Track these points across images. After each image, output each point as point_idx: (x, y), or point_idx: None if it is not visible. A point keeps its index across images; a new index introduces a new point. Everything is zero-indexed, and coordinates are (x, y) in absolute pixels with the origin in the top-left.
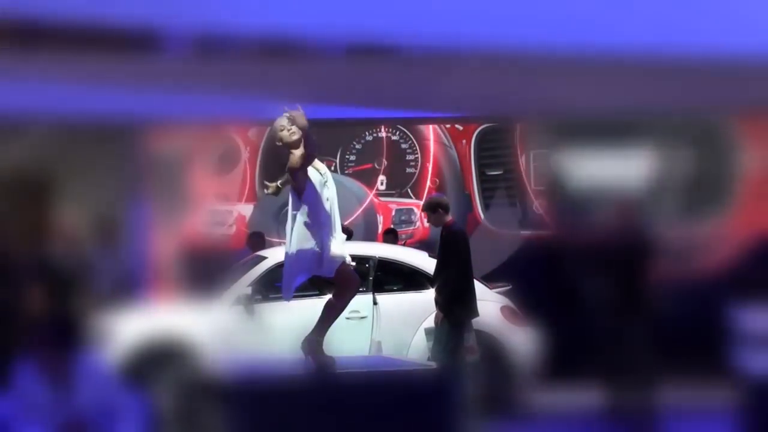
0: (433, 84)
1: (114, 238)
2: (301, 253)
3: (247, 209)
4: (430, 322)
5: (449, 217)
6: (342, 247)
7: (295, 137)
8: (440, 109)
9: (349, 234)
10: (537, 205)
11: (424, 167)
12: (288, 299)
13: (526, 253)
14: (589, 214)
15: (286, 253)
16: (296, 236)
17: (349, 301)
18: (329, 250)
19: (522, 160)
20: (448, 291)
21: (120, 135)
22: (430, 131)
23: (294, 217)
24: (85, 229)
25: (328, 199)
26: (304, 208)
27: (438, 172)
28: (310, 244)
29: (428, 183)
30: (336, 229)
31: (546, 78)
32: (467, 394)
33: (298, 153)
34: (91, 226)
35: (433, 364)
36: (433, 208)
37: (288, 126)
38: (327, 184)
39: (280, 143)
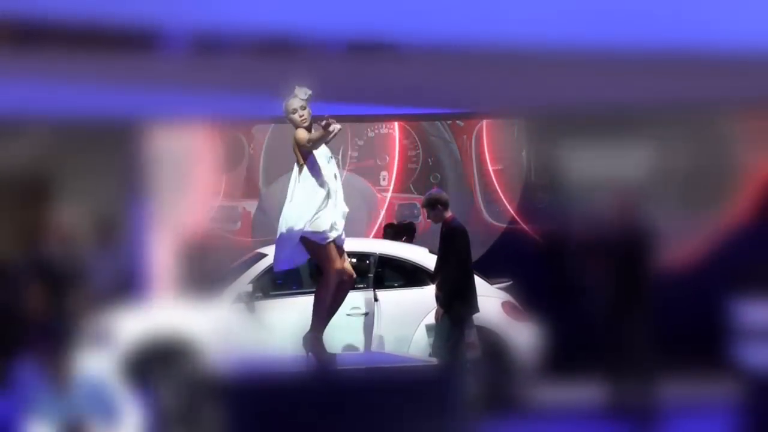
0: (434, 80)
1: (112, 237)
2: (298, 222)
3: (252, 206)
4: (431, 318)
5: (449, 213)
6: (340, 224)
7: (306, 123)
8: (441, 106)
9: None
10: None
11: (425, 162)
12: (283, 270)
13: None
14: (587, 209)
15: (281, 224)
16: (296, 205)
17: (330, 287)
18: (326, 218)
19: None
20: (449, 287)
21: (119, 133)
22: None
23: (294, 190)
24: (84, 228)
25: (336, 176)
26: (306, 178)
27: (437, 168)
28: (308, 213)
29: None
30: (337, 205)
31: (546, 74)
32: (468, 389)
33: (303, 133)
34: (90, 226)
35: (435, 361)
36: (432, 205)
37: (300, 111)
38: (331, 161)
39: (290, 123)
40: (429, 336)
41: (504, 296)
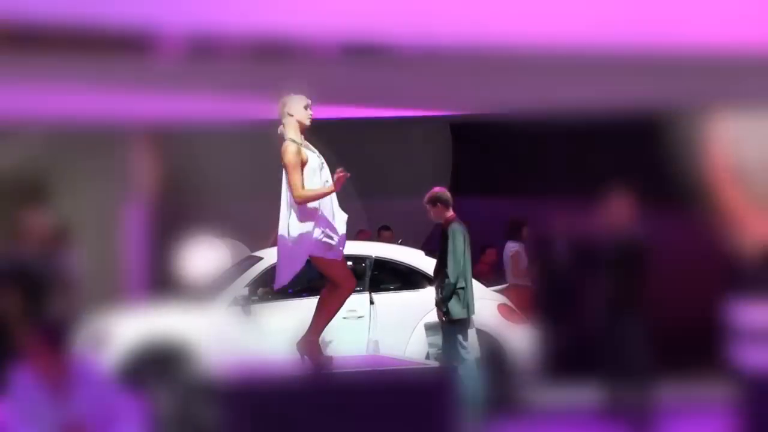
0: (429, 83)
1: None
2: (304, 236)
3: None
4: (427, 319)
5: (450, 212)
6: (343, 233)
7: (308, 123)
8: (437, 108)
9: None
10: None
11: None
12: (283, 286)
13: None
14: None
15: (283, 237)
16: (297, 218)
17: (344, 301)
18: (337, 232)
19: None
20: (447, 288)
21: (114, 136)
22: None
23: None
24: (76, 231)
25: (327, 182)
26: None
27: None
28: (311, 226)
29: None
30: (336, 214)
31: (542, 76)
32: (468, 392)
33: (291, 153)
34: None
35: (431, 363)
36: (432, 202)
37: (310, 112)
38: (323, 166)
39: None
40: (428, 335)
41: (500, 298)
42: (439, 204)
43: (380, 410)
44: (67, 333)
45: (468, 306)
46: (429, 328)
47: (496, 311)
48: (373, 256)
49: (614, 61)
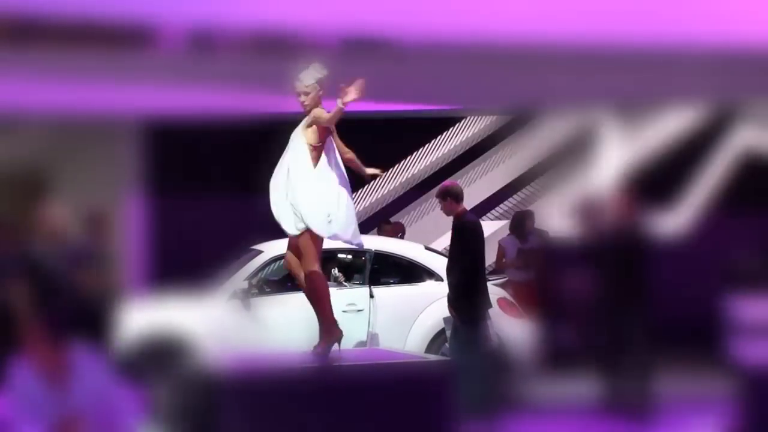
0: (429, 78)
1: (105, 233)
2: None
3: None
4: (429, 313)
5: (461, 207)
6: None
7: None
8: (437, 103)
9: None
10: None
11: None
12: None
13: None
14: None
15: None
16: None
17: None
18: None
19: None
20: (457, 285)
21: (115, 130)
22: None
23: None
24: (76, 225)
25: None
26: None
27: None
28: (327, 208)
29: None
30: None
31: (542, 71)
32: (472, 388)
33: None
34: (82, 222)
35: (431, 357)
36: (442, 196)
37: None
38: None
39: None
40: (447, 329)
41: (500, 292)
42: (448, 198)
43: (379, 403)
44: (67, 324)
45: (479, 303)
46: (448, 321)
47: (496, 305)
48: (373, 249)
49: (619, 57)
